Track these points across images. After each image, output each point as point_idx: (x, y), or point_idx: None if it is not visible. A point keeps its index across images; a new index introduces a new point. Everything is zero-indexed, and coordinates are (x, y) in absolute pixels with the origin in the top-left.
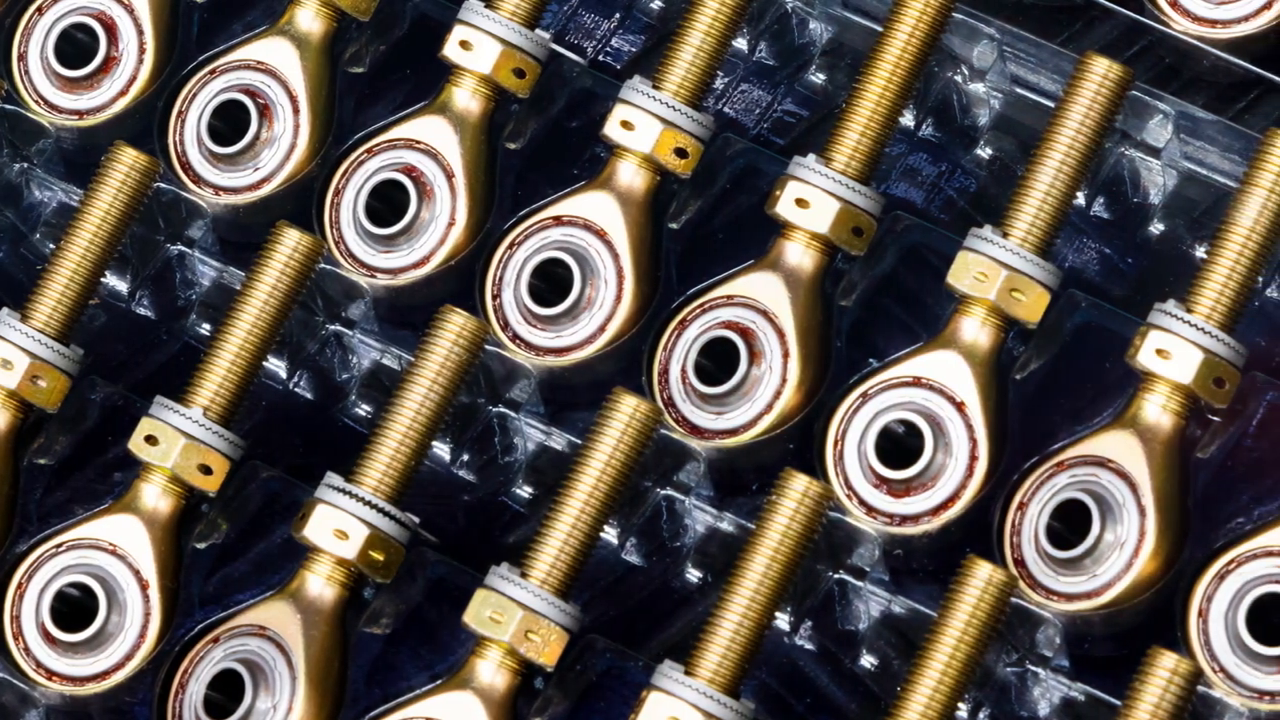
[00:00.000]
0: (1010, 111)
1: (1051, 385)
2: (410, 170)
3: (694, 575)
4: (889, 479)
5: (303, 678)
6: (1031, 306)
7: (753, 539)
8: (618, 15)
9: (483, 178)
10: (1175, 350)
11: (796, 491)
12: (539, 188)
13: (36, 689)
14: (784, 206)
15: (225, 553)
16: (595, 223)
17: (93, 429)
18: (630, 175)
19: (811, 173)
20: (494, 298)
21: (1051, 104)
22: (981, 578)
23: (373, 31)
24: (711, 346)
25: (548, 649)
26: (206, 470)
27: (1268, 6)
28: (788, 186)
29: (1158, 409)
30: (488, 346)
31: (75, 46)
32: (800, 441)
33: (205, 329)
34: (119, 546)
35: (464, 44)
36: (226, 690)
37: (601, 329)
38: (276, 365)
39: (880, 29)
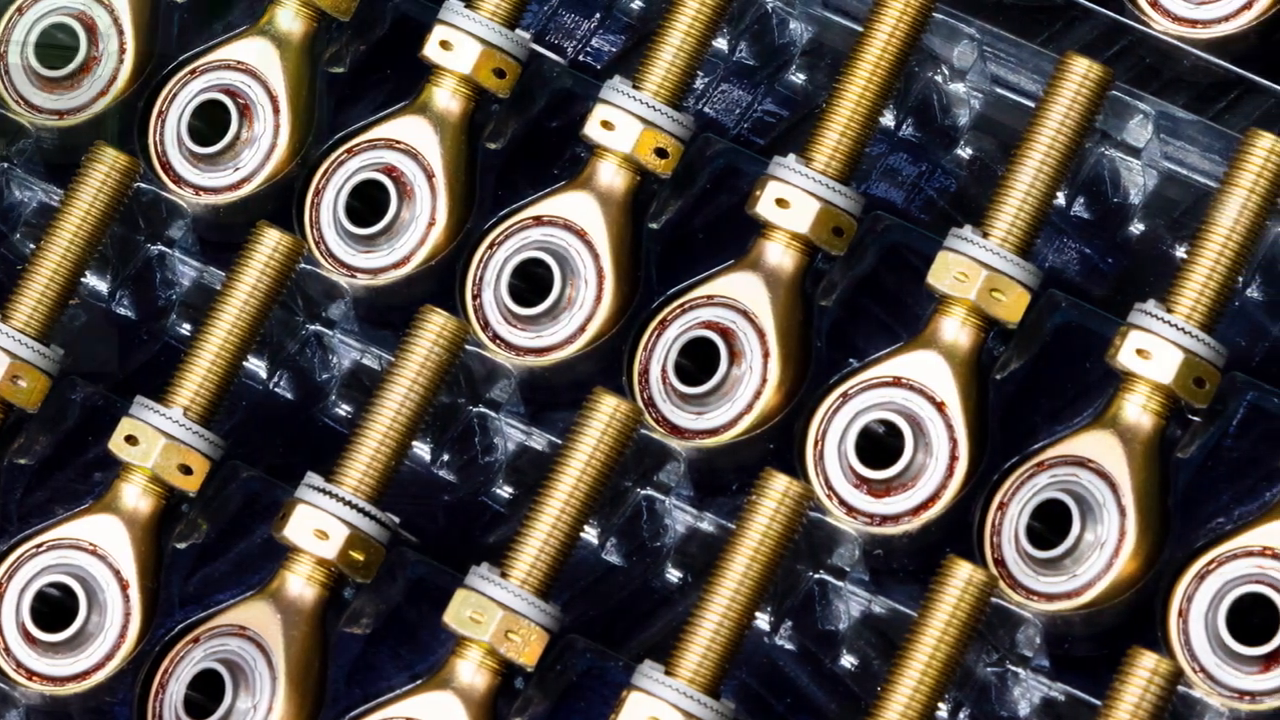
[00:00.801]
0: (990, 111)
1: (1032, 385)
2: (390, 170)
3: (674, 575)
4: (869, 479)
5: (283, 678)
6: (1011, 306)
7: (733, 539)
8: (598, 15)
9: (463, 178)
10: (1155, 350)
11: (777, 491)
12: (519, 188)
13: (16, 689)
14: (764, 206)
15: (205, 553)
16: (575, 223)
17: (73, 429)
18: (610, 175)
19: (792, 173)
20: (474, 298)
21: (1032, 104)
22: (962, 578)
23: (353, 31)
24: (692, 346)
25: (528, 649)
26: (187, 470)
27: (1248, 6)
28: (768, 186)
29: (1138, 409)
30: (468, 346)
31: (55, 46)
32: (780, 441)
33: (185, 329)
34: (99, 546)
35: (444, 44)
36: (207, 690)
37: (581, 329)
38: (257, 365)
39: (860, 29)
